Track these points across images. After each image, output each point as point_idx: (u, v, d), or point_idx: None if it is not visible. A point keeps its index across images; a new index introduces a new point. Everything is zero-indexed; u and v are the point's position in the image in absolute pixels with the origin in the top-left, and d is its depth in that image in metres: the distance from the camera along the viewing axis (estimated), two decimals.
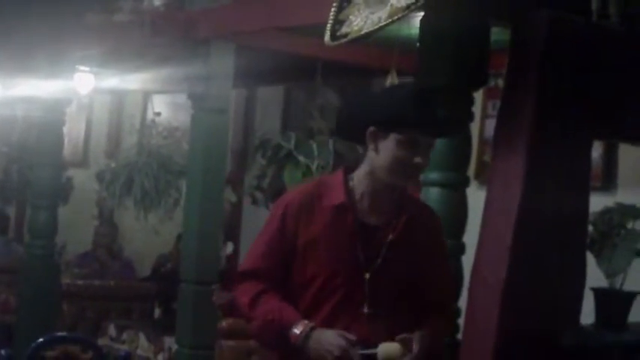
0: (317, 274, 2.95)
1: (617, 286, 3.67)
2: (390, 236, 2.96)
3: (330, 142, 5.04)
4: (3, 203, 8.69)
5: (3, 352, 4.27)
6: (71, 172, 7.91)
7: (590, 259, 3.47)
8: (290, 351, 2.92)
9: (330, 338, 2.86)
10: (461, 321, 3.26)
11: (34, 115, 6.42)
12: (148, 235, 6.67)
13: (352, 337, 2.86)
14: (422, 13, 3.34)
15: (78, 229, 8.04)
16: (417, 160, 2.88)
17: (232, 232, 6.74)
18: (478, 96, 3.74)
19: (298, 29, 4.45)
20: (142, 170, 5.99)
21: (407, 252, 2.98)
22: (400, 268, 2.98)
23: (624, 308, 3.68)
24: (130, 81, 6.55)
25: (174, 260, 6.48)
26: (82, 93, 7.03)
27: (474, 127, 4.02)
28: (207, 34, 4.88)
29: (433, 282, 3.05)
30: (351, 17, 3.18)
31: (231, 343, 5.15)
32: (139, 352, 5.93)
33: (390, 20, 3.01)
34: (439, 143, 3.09)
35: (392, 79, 4.36)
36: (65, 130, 6.46)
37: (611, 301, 3.67)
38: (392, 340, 2.86)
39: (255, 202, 5.42)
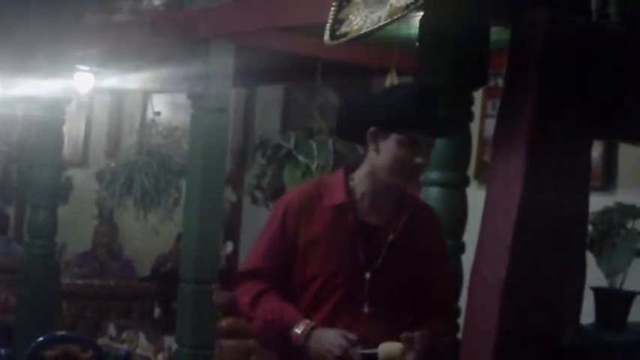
0: (317, 273, 2.95)
1: (617, 285, 3.67)
2: (391, 236, 2.96)
3: (330, 141, 5.04)
4: (3, 203, 8.69)
5: (3, 351, 4.27)
6: (71, 172, 7.91)
7: (590, 258, 3.47)
8: (291, 351, 2.92)
9: (331, 338, 2.86)
10: (461, 321, 3.26)
11: (34, 115, 6.42)
12: (148, 235, 6.67)
13: (353, 336, 2.86)
14: (421, 13, 3.33)
15: (78, 228, 8.04)
16: (418, 160, 2.88)
17: (232, 231, 6.75)
18: (478, 96, 3.74)
19: (298, 29, 4.45)
20: (142, 170, 5.99)
21: (407, 252, 2.98)
22: (400, 268, 2.98)
23: (624, 308, 3.68)
24: (130, 80, 6.54)
25: (174, 260, 6.48)
26: (81, 92, 7.03)
27: (474, 127, 4.01)
28: (206, 33, 4.88)
29: (433, 282, 3.05)
30: (350, 17, 3.18)
31: (230, 342, 5.16)
32: (139, 351, 5.93)
33: (390, 20, 3.01)
34: (439, 143, 3.09)
35: (392, 79, 4.37)
36: (65, 129, 6.46)
37: (611, 301, 3.67)
38: (393, 339, 2.86)
39: (254, 201, 5.43)
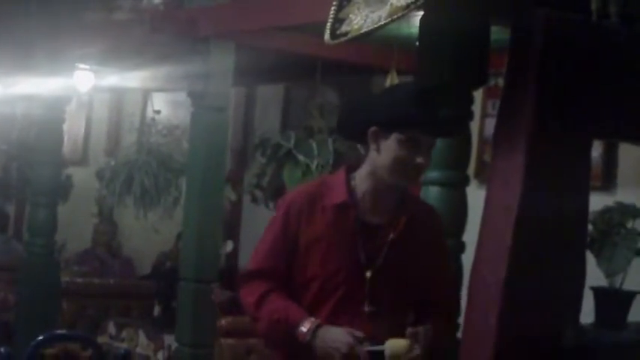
0: (318, 272, 2.96)
1: (617, 285, 3.68)
2: (392, 235, 2.97)
3: (330, 141, 5.04)
4: (2, 201, 8.69)
5: (3, 350, 4.27)
6: (71, 170, 7.90)
7: (590, 258, 3.47)
8: (297, 350, 2.92)
9: (338, 336, 2.87)
10: (461, 321, 3.26)
11: (34, 113, 6.43)
12: (148, 234, 6.67)
13: (360, 334, 2.87)
14: (421, 13, 3.33)
15: (77, 227, 8.04)
16: (419, 160, 2.89)
17: (232, 230, 6.75)
18: (478, 95, 3.74)
19: (298, 28, 4.45)
20: (142, 168, 5.99)
21: (408, 251, 2.98)
22: (401, 267, 2.98)
23: (624, 308, 3.68)
24: (130, 79, 6.54)
25: (174, 258, 6.48)
26: (81, 91, 7.01)
27: (474, 127, 4.02)
28: (206, 32, 4.88)
29: (434, 281, 3.06)
30: (350, 16, 3.18)
31: (230, 341, 5.16)
32: (139, 350, 5.93)
33: (390, 19, 3.00)
34: (439, 142, 3.09)
35: (392, 79, 4.37)
36: (65, 127, 6.46)
37: (611, 301, 3.68)
38: (397, 336, 2.86)
39: (254, 200, 5.43)
